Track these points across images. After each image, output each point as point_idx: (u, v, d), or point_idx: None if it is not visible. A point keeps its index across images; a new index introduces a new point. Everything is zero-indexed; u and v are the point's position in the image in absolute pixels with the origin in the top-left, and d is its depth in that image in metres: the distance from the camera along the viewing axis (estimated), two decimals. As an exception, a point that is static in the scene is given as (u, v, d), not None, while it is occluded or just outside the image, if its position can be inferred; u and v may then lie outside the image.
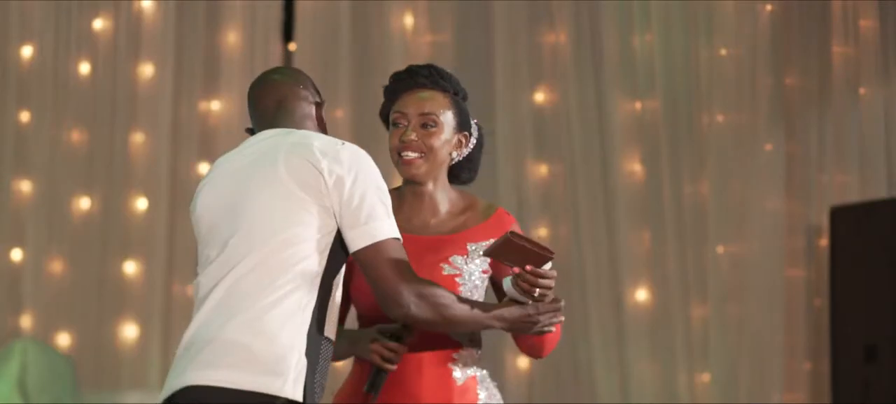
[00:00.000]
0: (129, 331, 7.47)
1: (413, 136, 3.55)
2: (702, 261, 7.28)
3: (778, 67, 7.37)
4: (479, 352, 3.60)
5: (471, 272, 3.54)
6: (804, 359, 7.27)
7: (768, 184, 7.29)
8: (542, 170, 7.51)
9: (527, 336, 3.52)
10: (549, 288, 3.39)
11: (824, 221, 7.16)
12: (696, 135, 7.38)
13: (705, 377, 7.23)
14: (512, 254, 3.33)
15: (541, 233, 7.44)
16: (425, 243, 3.45)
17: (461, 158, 3.67)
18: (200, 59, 7.64)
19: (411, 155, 3.55)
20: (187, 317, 7.82)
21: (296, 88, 3.44)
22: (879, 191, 7.13)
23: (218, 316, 3.19)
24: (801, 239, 7.34)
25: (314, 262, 3.21)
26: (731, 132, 7.35)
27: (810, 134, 7.36)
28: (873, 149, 7.22)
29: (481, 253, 3.50)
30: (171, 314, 7.52)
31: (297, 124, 3.41)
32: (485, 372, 3.60)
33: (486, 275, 3.56)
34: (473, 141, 3.69)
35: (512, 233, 3.32)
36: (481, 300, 3.53)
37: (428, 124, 3.57)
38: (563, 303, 3.45)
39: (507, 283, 3.41)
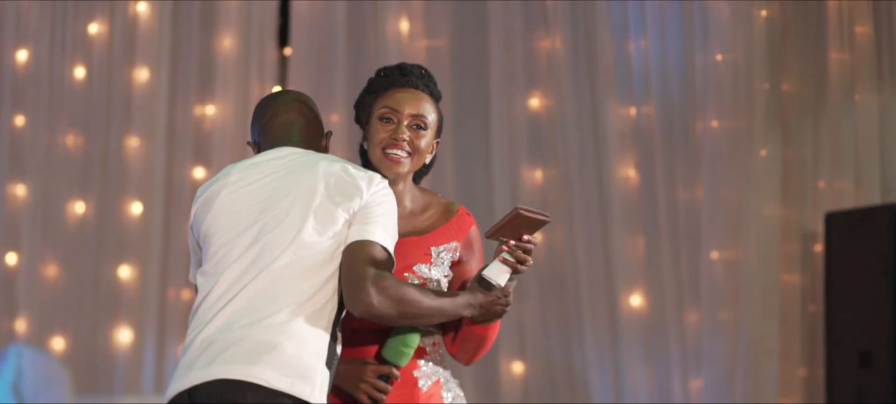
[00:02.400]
0: (124, 336, 7.47)
1: (406, 136, 3.54)
2: (696, 267, 7.28)
3: (773, 73, 7.37)
4: (442, 352, 3.59)
5: (434, 278, 3.54)
6: (799, 365, 7.27)
7: (764, 190, 7.28)
8: (537, 175, 7.52)
9: (467, 337, 3.52)
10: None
11: (819, 227, 7.17)
12: (691, 140, 7.38)
13: (699, 382, 7.23)
14: (515, 228, 3.37)
15: (535, 237, 7.41)
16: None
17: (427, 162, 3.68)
18: (195, 64, 7.64)
19: (400, 153, 3.56)
20: (182, 321, 7.84)
21: (309, 113, 3.55)
22: (874, 198, 7.14)
23: (245, 315, 3.20)
24: (797, 245, 7.34)
25: (339, 276, 3.27)
26: (727, 138, 7.34)
27: (806, 140, 7.36)
28: (868, 155, 7.21)
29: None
30: (165, 318, 7.51)
31: (309, 143, 3.51)
32: (448, 372, 3.59)
33: (447, 279, 3.56)
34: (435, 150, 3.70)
35: (519, 207, 3.34)
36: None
37: (420, 126, 3.58)
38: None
39: (490, 270, 3.41)
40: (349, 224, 3.28)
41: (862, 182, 7.21)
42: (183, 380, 3.18)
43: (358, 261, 3.23)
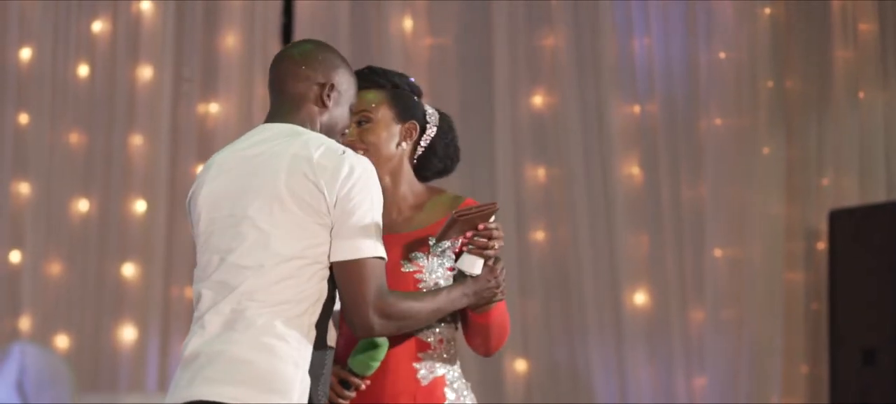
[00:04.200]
0: (128, 334, 7.47)
1: (351, 136, 3.55)
2: (700, 265, 7.28)
3: (777, 71, 7.37)
4: (451, 352, 3.57)
5: (432, 269, 3.50)
6: (802, 363, 7.27)
7: (767, 188, 7.29)
8: (541, 173, 7.51)
9: (472, 329, 3.52)
10: (501, 237, 3.43)
11: (823, 225, 7.16)
12: (694, 138, 7.38)
13: (703, 380, 7.23)
14: (462, 227, 3.36)
15: (539, 236, 7.45)
16: (386, 241, 3.43)
17: (422, 149, 3.65)
18: (199, 62, 7.64)
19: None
20: (186, 320, 7.85)
21: (298, 69, 3.37)
22: (878, 195, 7.14)
23: (225, 330, 3.19)
24: (800, 242, 7.35)
25: (318, 279, 3.22)
26: (730, 136, 7.35)
27: (809, 137, 7.36)
28: (872, 152, 7.22)
29: (434, 241, 3.48)
30: (169, 316, 7.51)
31: (294, 107, 3.35)
32: (456, 372, 3.57)
33: (451, 272, 3.53)
34: (433, 129, 3.66)
35: (456, 213, 3.33)
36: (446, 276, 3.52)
37: (362, 121, 3.57)
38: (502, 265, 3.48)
39: (461, 262, 3.41)
40: (327, 228, 3.21)
41: (866, 179, 7.21)
42: (171, 396, 3.20)
43: (355, 287, 3.19)
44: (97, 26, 7.64)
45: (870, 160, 7.22)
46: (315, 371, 3.21)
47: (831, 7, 7.34)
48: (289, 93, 3.36)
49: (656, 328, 7.30)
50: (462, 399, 3.55)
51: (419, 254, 3.51)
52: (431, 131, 3.65)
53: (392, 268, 3.42)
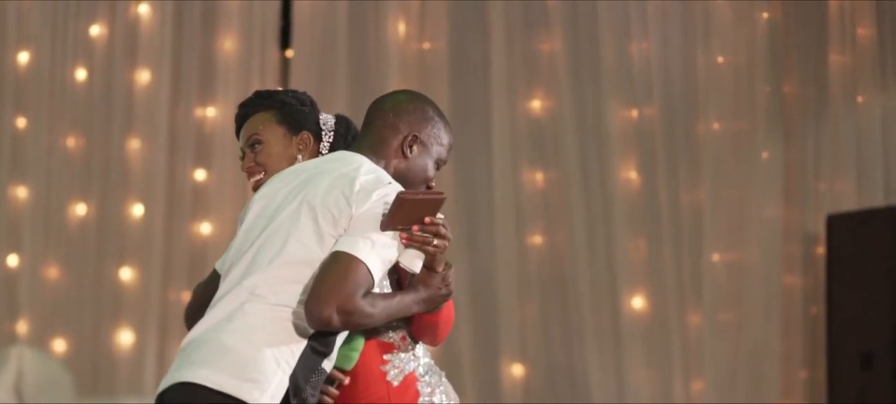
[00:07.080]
0: (125, 337, 7.47)
1: (247, 162, 3.64)
2: (698, 269, 7.28)
3: (775, 75, 7.37)
4: (415, 348, 3.56)
5: None
6: (800, 367, 7.27)
7: (765, 192, 7.29)
8: (538, 177, 7.51)
9: (422, 326, 3.52)
10: (448, 237, 3.36)
11: (821, 229, 7.16)
12: (692, 142, 7.38)
13: (701, 384, 7.23)
14: (408, 214, 3.29)
15: (537, 240, 7.44)
16: None
17: (324, 154, 3.66)
18: (197, 65, 7.64)
19: (254, 178, 3.63)
20: (183, 323, 7.83)
21: (387, 116, 3.49)
22: (876, 200, 7.13)
23: (221, 320, 3.25)
24: (798, 246, 7.35)
25: None
26: (728, 140, 7.35)
27: (807, 142, 7.36)
28: (870, 157, 7.22)
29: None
30: (166, 320, 7.52)
31: (375, 146, 3.45)
32: (424, 361, 3.57)
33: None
34: (329, 135, 3.68)
35: (401, 192, 3.28)
36: (386, 285, 3.51)
37: (254, 144, 3.65)
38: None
39: (403, 257, 3.36)
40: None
41: (863, 184, 7.21)
42: (163, 380, 3.26)
43: (332, 275, 3.19)
44: (95, 29, 7.65)
45: (867, 164, 7.21)
46: (298, 381, 3.22)
47: (829, 11, 7.34)
48: (374, 133, 3.48)
49: (654, 332, 7.29)
50: (435, 396, 3.55)
51: None
52: (328, 136, 3.67)
53: None
